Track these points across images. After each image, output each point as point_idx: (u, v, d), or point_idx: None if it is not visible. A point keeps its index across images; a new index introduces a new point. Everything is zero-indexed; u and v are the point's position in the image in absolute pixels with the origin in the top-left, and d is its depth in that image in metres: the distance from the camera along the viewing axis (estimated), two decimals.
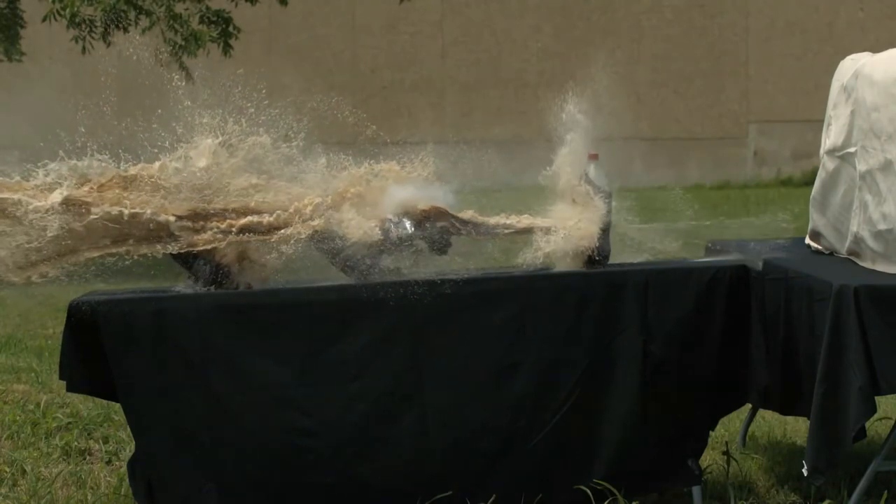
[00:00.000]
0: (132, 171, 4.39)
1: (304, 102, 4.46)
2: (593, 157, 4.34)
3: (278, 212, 4.33)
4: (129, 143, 4.41)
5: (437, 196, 4.41)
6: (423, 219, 4.33)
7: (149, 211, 4.25)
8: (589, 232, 4.29)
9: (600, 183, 4.33)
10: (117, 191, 4.34)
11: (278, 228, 4.30)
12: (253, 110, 4.41)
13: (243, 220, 4.31)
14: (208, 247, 4.28)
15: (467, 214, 4.40)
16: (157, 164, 4.39)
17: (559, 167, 4.43)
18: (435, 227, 4.30)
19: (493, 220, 4.45)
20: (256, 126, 4.38)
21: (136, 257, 4.32)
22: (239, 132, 4.38)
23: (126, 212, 4.23)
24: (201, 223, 4.31)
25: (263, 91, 4.41)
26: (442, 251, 4.32)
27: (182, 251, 4.27)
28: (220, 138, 4.38)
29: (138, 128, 4.33)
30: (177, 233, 4.27)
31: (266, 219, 4.31)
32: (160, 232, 4.29)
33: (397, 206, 4.38)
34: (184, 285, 4.29)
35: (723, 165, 19.49)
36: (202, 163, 4.37)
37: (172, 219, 4.26)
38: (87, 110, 4.44)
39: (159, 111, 4.34)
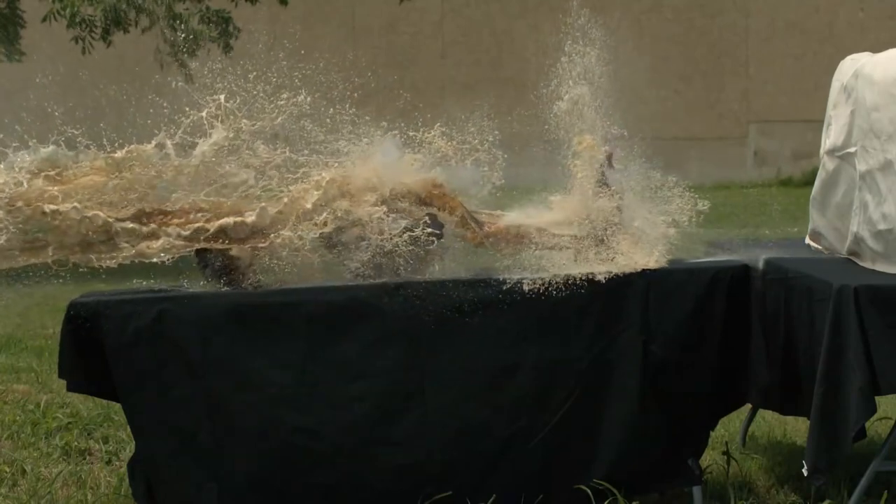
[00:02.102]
0: (119, 154, 3.66)
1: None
2: (609, 155, 4.29)
3: (262, 206, 3.61)
4: (112, 117, 3.81)
5: (463, 178, 4.02)
6: (415, 203, 4.05)
7: (76, 206, 3.49)
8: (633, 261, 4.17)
9: (615, 184, 4.28)
10: (97, 180, 3.66)
11: (268, 229, 3.73)
12: (285, 63, 3.69)
13: (218, 223, 3.64)
14: (165, 256, 3.65)
15: (488, 215, 4.21)
16: (153, 142, 3.66)
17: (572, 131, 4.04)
18: (423, 212, 4.11)
19: (532, 225, 4.15)
20: (290, 80, 3.67)
21: (56, 269, 3.60)
22: (264, 92, 3.62)
23: (48, 209, 3.48)
24: (154, 226, 3.64)
25: (297, 35, 3.78)
26: (431, 237, 4.12)
27: (127, 261, 3.61)
28: (238, 99, 3.63)
29: (125, 95, 3.83)
30: (118, 238, 3.58)
31: (249, 218, 3.67)
32: (101, 236, 3.59)
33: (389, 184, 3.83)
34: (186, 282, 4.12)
35: (723, 165, 19.49)
36: (217, 134, 3.60)
37: (111, 219, 3.57)
38: (56, 79, 3.94)
39: (157, 77, 3.86)
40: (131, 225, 3.58)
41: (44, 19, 11.45)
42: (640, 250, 4.21)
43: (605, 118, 4.13)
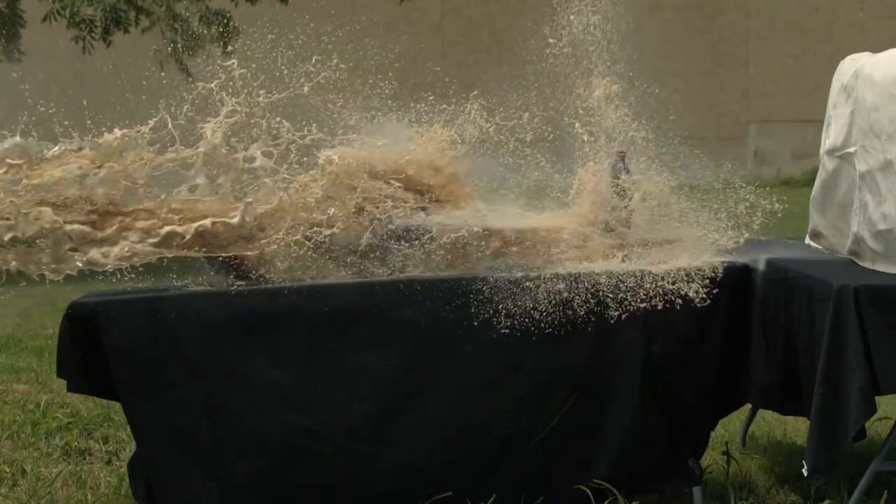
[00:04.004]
0: (109, 137, 3.10)
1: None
2: (622, 154, 4.21)
3: (248, 202, 3.06)
4: (96, 93, 3.25)
5: (487, 167, 3.65)
6: (407, 192, 3.77)
7: (13, 201, 2.93)
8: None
9: (629, 186, 4.23)
10: (75, 171, 3.09)
11: (259, 232, 3.29)
12: (312, 25, 3.13)
13: (195, 225, 3.12)
14: (124, 264, 3.18)
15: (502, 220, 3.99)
16: (149, 123, 3.13)
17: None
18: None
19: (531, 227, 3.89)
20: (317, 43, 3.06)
21: None
22: (285, 57, 3.02)
23: None
24: (111, 230, 3.14)
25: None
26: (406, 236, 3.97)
27: (74, 272, 3.05)
28: (254, 66, 3.06)
29: (110, 64, 3.22)
30: (63, 244, 3.03)
31: (234, 219, 3.16)
32: (47, 242, 3.06)
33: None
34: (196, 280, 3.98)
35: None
36: (230, 104, 3.01)
37: (59, 219, 3.06)
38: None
39: (155, 47, 3.34)
40: (83, 227, 3.07)
41: (44, 19, 11.45)
42: (675, 256, 4.13)
43: (623, 67, 3.51)
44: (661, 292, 4.05)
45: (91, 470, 4.99)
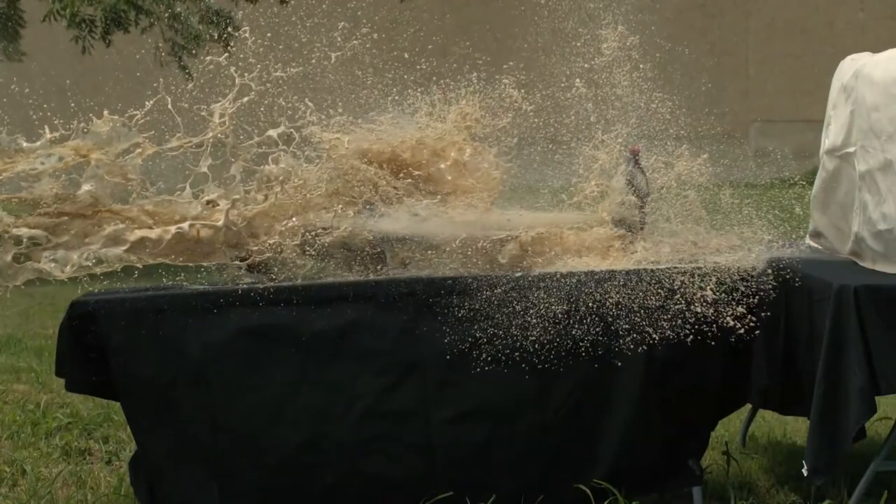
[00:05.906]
0: (99, 123, 2.66)
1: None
2: (635, 152, 4.18)
3: (234, 200, 2.62)
4: (84, 81, 3.02)
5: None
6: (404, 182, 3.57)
7: None
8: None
9: (640, 185, 4.23)
10: (51, 162, 2.68)
11: (248, 235, 2.95)
12: None
13: (172, 229, 2.69)
14: (83, 273, 2.73)
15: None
16: (147, 104, 2.71)
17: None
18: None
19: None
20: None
21: None
22: (304, 28, 2.65)
23: None
24: (67, 235, 2.68)
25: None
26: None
27: (21, 283, 2.57)
28: (269, 35, 2.68)
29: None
30: (5, 250, 2.55)
31: (219, 220, 2.75)
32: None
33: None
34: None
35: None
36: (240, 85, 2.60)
37: (9, 220, 2.63)
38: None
39: (153, 49, 3.00)
40: (35, 231, 2.64)
41: (44, 19, 11.44)
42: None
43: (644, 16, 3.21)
44: (693, 320, 3.99)
45: (91, 470, 4.99)
